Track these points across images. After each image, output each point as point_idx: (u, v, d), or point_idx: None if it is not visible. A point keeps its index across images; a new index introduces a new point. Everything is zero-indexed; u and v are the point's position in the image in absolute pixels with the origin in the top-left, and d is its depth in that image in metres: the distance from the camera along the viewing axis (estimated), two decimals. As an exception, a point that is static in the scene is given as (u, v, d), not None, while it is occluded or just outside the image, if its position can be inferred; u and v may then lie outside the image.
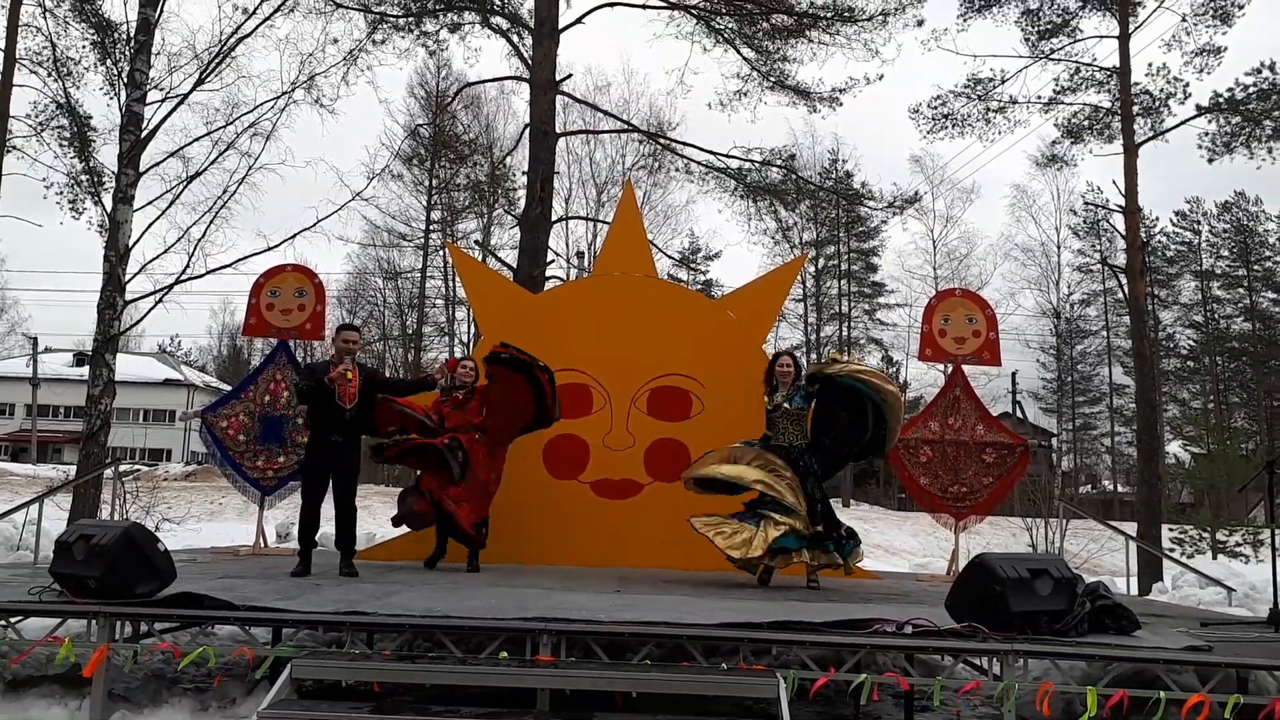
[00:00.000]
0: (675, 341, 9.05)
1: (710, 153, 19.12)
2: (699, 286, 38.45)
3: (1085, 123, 19.87)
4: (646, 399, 8.99)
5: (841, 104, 19.01)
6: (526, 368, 7.51)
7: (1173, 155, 21.25)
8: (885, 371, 7.98)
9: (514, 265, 17.65)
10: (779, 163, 19.63)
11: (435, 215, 38.94)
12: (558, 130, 18.15)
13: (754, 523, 7.16)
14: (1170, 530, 20.35)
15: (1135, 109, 18.02)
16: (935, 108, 20.04)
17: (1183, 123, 18.52)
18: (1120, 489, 47.10)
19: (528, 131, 17.52)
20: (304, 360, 12.36)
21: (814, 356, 46.05)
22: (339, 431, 6.93)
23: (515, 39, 18.43)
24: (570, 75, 18.03)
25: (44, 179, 15.11)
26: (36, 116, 15.35)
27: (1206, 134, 18.96)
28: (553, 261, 21.45)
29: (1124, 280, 19.25)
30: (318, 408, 6.96)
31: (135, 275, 13.41)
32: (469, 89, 24.16)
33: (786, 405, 7.41)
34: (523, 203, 18.47)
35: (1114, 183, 18.03)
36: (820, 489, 7.36)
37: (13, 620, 5.08)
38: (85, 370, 14.86)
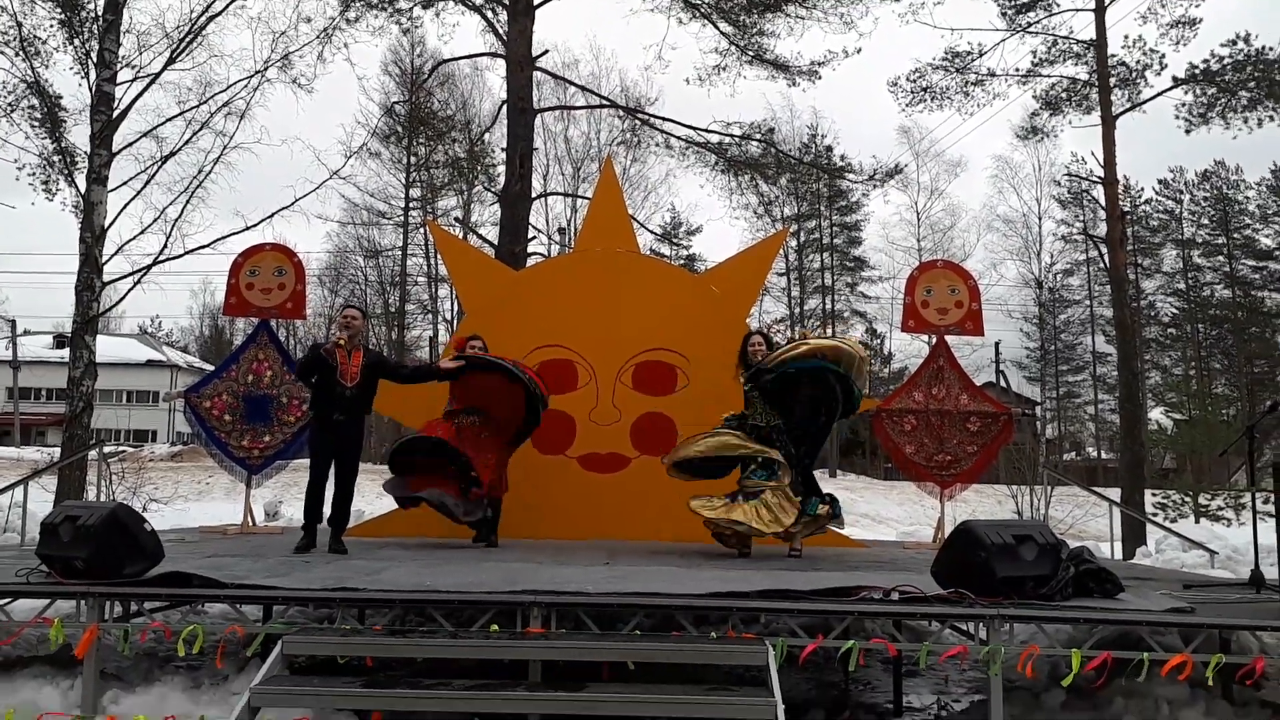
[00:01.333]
0: (659, 316, 9.06)
1: (690, 127, 19.08)
2: (681, 261, 38.39)
3: (1063, 94, 19.90)
4: (631, 374, 9.00)
5: (820, 77, 18.99)
6: (501, 368, 7.52)
7: (1156, 125, 21.25)
8: (855, 340, 7.97)
9: (495, 242, 17.60)
10: (759, 137, 19.57)
11: (415, 193, 38.68)
12: (535, 106, 18.03)
13: (745, 499, 7.21)
14: (1153, 495, 20.59)
15: (1112, 80, 18.05)
16: (914, 81, 20.04)
17: (1159, 94, 18.59)
18: (1104, 455, 47.59)
19: (505, 108, 17.40)
20: (286, 339, 12.29)
21: (797, 330, 46.20)
22: (341, 410, 6.98)
23: (490, 15, 18.26)
24: (547, 51, 17.92)
25: (15, 160, 14.91)
26: (5, 97, 15.12)
27: (1184, 105, 19.04)
28: (534, 238, 21.40)
29: (1104, 250, 19.36)
30: (320, 387, 6.98)
31: (113, 256, 13.31)
32: (444, 66, 23.93)
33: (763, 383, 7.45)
34: (502, 179, 18.37)
35: (1093, 153, 18.12)
36: (797, 458, 7.38)
37: (1, 602, 5.07)
38: (66, 352, 14.74)
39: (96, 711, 4.56)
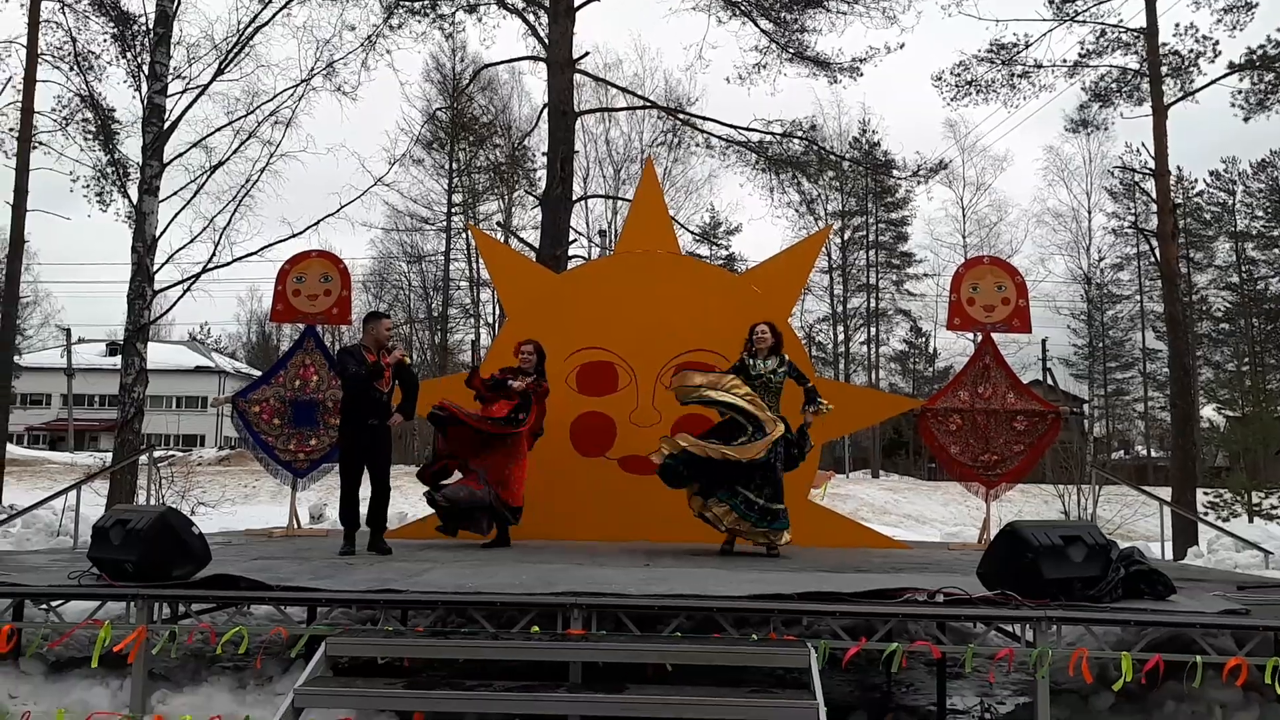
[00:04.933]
0: (700, 317, 9.03)
1: (730, 126, 19.00)
2: (720, 262, 38.31)
3: (1113, 85, 19.53)
4: (672, 375, 8.96)
5: (861, 74, 18.84)
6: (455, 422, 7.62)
7: (1208, 115, 20.76)
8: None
9: (536, 246, 17.68)
10: (800, 134, 19.45)
11: (457, 198, 39.04)
12: (576, 109, 18.09)
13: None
14: (1205, 494, 20.13)
15: (1164, 70, 17.67)
16: (958, 74, 19.77)
17: (1213, 82, 18.15)
18: (1154, 454, 46.65)
19: (546, 111, 17.47)
20: (332, 345, 12.44)
21: (840, 329, 45.88)
22: (376, 414, 7.08)
23: (531, 18, 18.35)
24: (588, 54, 17.98)
25: (70, 172, 15.29)
26: (60, 111, 15.50)
27: (1239, 92, 18.58)
28: (575, 241, 21.46)
29: (1155, 244, 18.97)
30: (355, 392, 7.07)
31: (163, 265, 13.58)
32: (486, 70, 24.11)
33: (768, 374, 7.44)
34: (543, 183, 18.45)
35: (1143, 145, 17.75)
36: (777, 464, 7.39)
37: (53, 604, 5.18)
38: (118, 360, 15.07)
39: (145, 711, 4.65)
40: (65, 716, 4.52)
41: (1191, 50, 18.21)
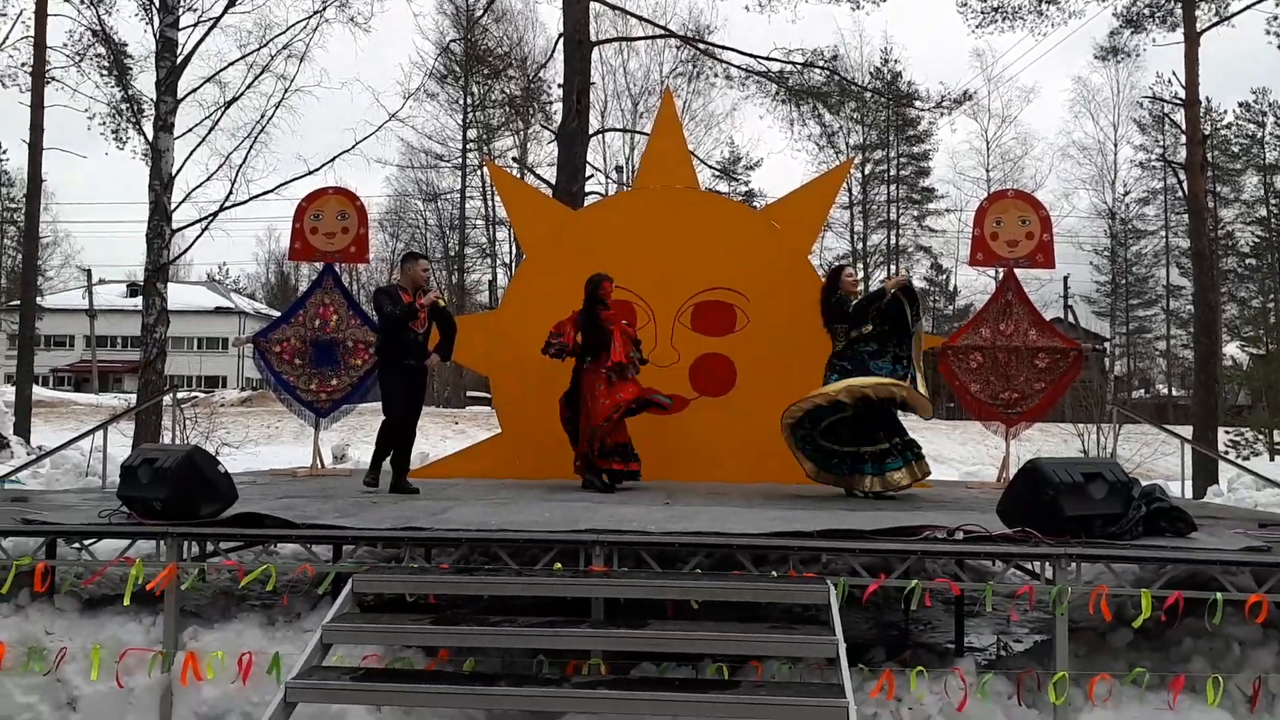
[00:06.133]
0: (719, 254, 8.93)
1: (750, 56, 18.62)
2: (740, 197, 37.91)
3: (1145, 10, 18.95)
4: (691, 314, 8.93)
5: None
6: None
7: (1238, 43, 20.18)
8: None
9: (552, 182, 17.51)
10: (821, 64, 19.07)
11: (471, 134, 38.68)
12: (592, 39, 17.76)
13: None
14: (1226, 433, 20.04)
15: (1199, -9, 17.11)
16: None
17: (1249, 6, 17.54)
18: (1175, 393, 46.38)
19: (561, 42, 17.17)
20: (351, 284, 12.44)
21: (861, 266, 45.50)
22: (413, 354, 7.10)
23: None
24: (604, -19, 17.59)
25: (86, 109, 15.23)
26: (73, 46, 15.38)
27: (1276, 18, 18.03)
28: (592, 176, 21.28)
29: (1183, 177, 18.61)
30: (392, 333, 7.07)
31: (180, 204, 13.59)
32: (499, 0, 23.69)
33: (873, 328, 7.16)
34: (559, 117, 18.22)
35: (1174, 74, 17.30)
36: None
37: (85, 543, 5.28)
38: (139, 301, 15.16)
39: (177, 647, 4.76)
40: (100, 652, 4.64)
41: (1229, -30, 17.62)
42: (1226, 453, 18.06)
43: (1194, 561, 4.69)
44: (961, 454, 23.66)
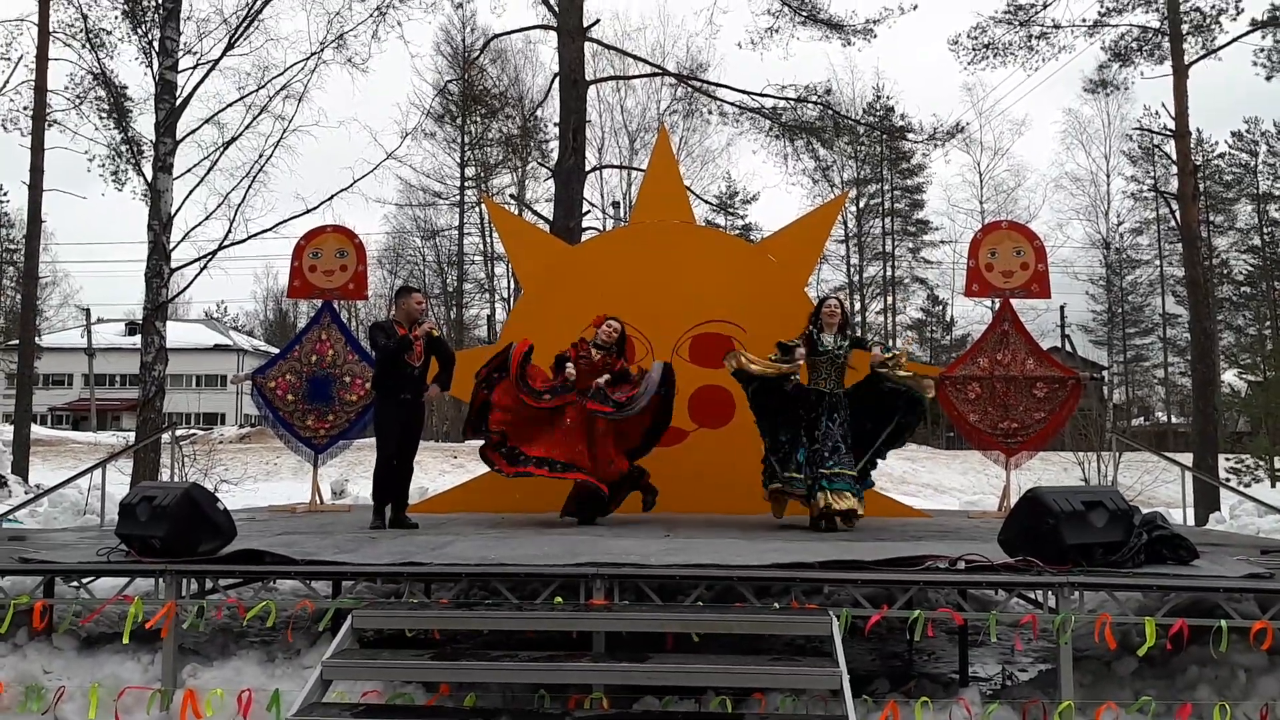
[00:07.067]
0: (716, 288, 8.98)
1: (743, 92, 18.84)
2: (737, 231, 38.12)
3: (1133, 44, 19.22)
4: (689, 346, 8.95)
5: (875, 35, 18.65)
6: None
7: (1228, 75, 20.45)
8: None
9: (550, 218, 17.62)
10: (814, 99, 19.28)
11: (469, 172, 38.93)
12: (588, 78, 17.96)
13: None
14: (1227, 459, 20.03)
15: (1185, 27, 17.37)
16: (975, 37, 19.52)
17: (1235, 39, 17.84)
18: (1174, 420, 46.35)
19: (557, 81, 17.36)
20: (349, 321, 12.48)
21: (857, 298, 45.63)
22: (409, 389, 7.07)
23: (541, -15, 18.17)
24: (599, 21, 17.82)
25: (85, 151, 15.34)
26: (74, 89, 15.52)
27: (1262, 50, 18.29)
28: (588, 212, 21.41)
29: (1175, 207, 18.75)
30: (389, 367, 7.06)
31: (179, 243, 13.63)
32: (496, 41, 23.96)
33: (833, 350, 7.35)
34: (555, 154, 18.38)
35: (1163, 106, 17.50)
36: (847, 429, 7.32)
37: (84, 581, 5.25)
38: (137, 339, 15.19)
39: (176, 685, 4.72)
40: (99, 691, 4.60)
41: (1213, 7, 17.89)
42: (1227, 479, 18.03)
43: (1197, 589, 4.67)
44: (962, 484, 23.61)
